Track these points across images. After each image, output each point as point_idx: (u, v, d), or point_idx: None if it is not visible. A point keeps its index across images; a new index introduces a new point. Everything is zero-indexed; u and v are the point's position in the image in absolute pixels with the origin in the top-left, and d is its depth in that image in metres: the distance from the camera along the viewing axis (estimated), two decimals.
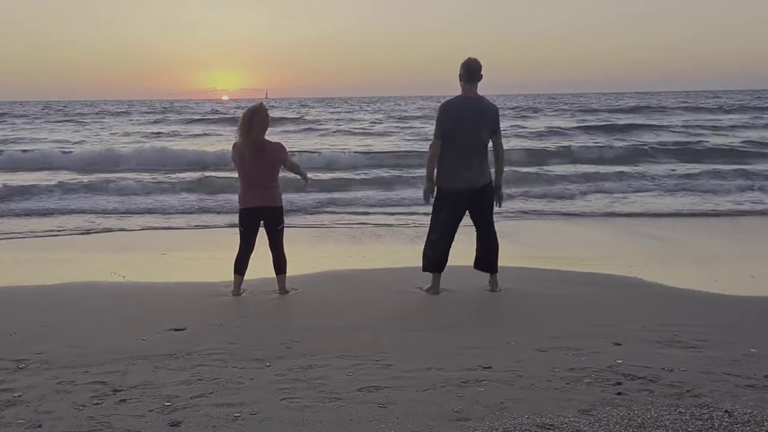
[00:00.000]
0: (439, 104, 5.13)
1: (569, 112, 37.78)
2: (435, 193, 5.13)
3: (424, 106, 53.99)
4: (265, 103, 5.12)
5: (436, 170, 5.07)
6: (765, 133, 22.47)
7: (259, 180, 5.04)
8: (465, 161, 4.96)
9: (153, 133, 28.17)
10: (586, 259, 6.52)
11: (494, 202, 5.19)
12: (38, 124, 34.05)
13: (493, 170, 5.16)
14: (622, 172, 13.62)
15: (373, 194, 11.60)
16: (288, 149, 5.25)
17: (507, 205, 8.56)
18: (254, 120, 4.90)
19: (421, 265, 5.26)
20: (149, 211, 10.08)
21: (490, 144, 5.10)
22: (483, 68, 4.99)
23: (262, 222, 5.19)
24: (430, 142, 5.13)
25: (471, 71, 4.96)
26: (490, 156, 5.08)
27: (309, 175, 5.56)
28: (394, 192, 11.79)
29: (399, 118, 35.23)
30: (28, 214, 9.77)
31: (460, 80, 5.02)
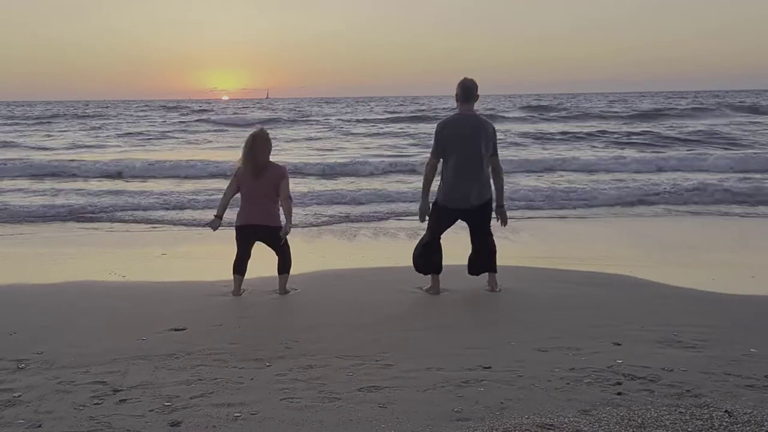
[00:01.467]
0: (437, 123, 5.19)
1: (573, 114, 37.72)
2: (430, 211, 5.17)
3: (424, 105, 53.96)
4: (265, 128, 5.33)
5: (433, 188, 5.13)
6: None
7: (259, 198, 5.15)
8: (463, 179, 4.97)
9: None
10: (586, 259, 6.52)
11: (498, 221, 5.20)
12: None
13: (493, 189, 5.15)
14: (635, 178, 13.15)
15: (372, 195, 11.58)
16: (288, 169, 5.34)
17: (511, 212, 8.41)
18: (256, 143, 5.13)
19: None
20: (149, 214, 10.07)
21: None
22: (478, 88, 5.06)
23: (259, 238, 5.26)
24: (427, 162, 5.15)
25: (466, 91, 5.03)
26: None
27: (291, 224, 5.28)
28: (393, 192, 11.76)
29: (399, 119, 35.24)
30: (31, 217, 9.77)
31: (456, 100, 5.09)
